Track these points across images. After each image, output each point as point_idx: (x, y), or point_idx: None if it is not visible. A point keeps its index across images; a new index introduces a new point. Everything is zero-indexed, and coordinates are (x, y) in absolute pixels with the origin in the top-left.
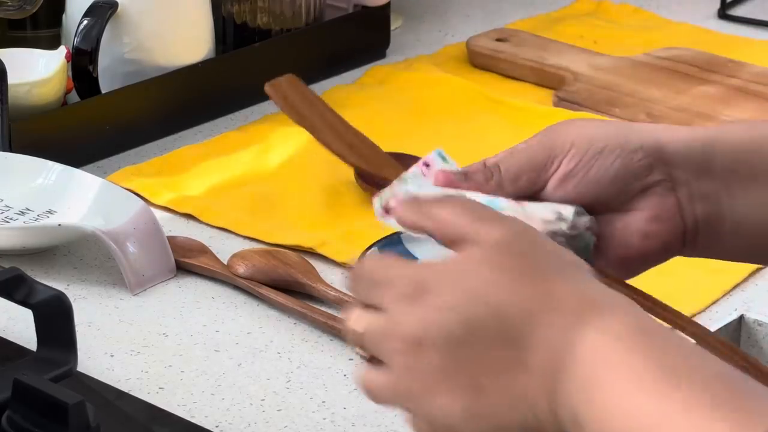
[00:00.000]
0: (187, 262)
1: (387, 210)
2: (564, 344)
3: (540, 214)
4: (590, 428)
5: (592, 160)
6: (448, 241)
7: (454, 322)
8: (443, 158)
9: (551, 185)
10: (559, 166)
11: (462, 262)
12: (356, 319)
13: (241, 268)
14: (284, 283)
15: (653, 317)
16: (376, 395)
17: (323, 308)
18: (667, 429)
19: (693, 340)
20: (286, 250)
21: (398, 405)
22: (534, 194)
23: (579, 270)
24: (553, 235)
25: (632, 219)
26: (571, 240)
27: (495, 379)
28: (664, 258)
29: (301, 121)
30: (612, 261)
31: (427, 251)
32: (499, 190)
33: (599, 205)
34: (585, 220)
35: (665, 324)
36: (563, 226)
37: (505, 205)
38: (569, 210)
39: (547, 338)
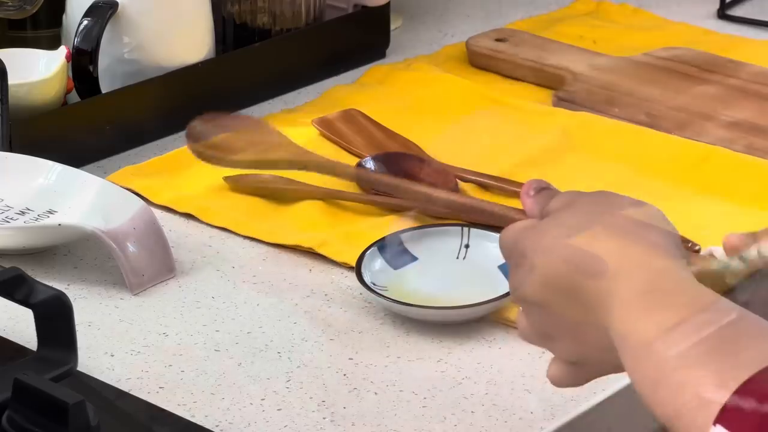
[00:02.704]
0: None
1: None
2: (606, 314)
3: None
4: (630, 379)
5: None
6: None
7: (538, 283)
8: None
9: None
10: None
11: (542, 223)
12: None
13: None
14: None
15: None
16: (521, 335)
17: None
18: (667, 384)
19: None
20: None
21: (536, 345)
22: None
23: (625, 232)
24: None
25: None
26: None
27: (581, 330)
28: None
29: None
30: None
31: (427, 251)
32: None
33: None
34: None
35: None
36: None
37: None
38: None
39: (596, 306)
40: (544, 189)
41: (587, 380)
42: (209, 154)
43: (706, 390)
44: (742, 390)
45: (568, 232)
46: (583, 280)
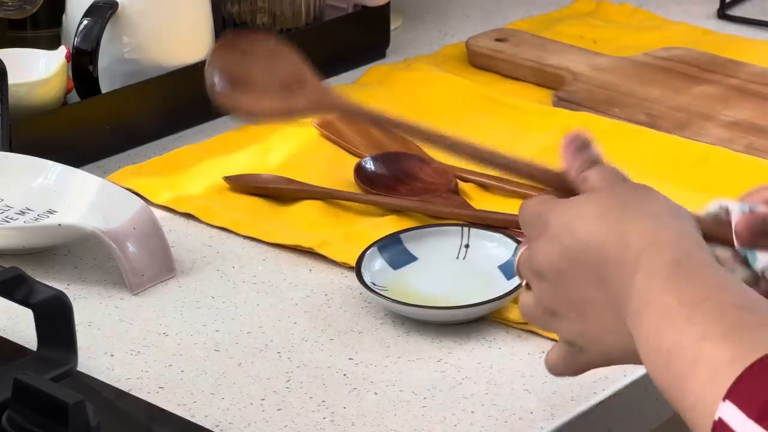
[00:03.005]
0: None
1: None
2: (626, 285)
3: None
4: (641, 353)
5: None
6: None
7: (558, 252)
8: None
9: None
10: None
11: (571, 199)
12: (518, 252)
13: None
14: None
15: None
16: (524, 315)
17: None
18: (682, 355)
19: None
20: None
21: (538, 325)
22: None
23: (658, 217)
24: None
25: None
26: None
27: (589, 307)
28: None
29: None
30: None
31: (427, 251)
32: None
33: None
34: None
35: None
36: None
37: None
38: None
39: (615, 278)
40: (586, 148)
41: (583, 370)
42: (231, 105)
43: (719, 365)
44: (755, 368)
45: (600, 209)
46: (608, 253)
